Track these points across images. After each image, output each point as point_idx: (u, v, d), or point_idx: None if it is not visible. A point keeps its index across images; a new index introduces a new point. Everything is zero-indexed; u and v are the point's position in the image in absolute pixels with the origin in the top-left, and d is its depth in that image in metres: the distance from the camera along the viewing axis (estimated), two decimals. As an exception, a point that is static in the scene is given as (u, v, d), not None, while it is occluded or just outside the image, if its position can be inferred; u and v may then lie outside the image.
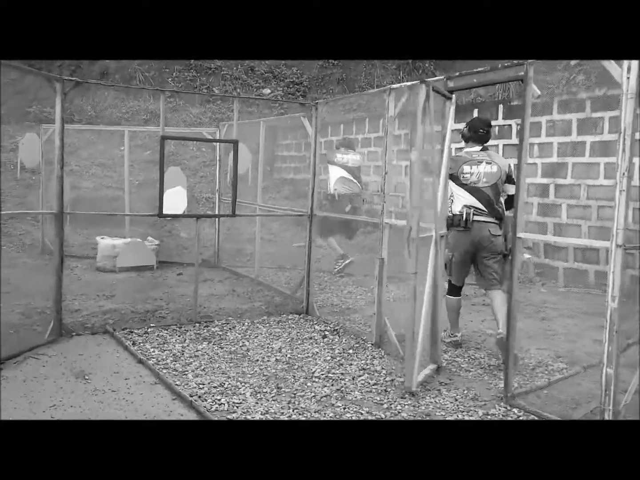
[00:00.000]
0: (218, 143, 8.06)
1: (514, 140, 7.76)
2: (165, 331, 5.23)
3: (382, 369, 4.44)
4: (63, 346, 4.76)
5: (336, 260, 8.04)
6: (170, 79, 14.57)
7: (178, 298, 6.41)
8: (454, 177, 4.87)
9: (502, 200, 4.96)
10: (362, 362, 4.58)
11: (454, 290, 5.04)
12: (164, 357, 4.55)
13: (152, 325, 5.40)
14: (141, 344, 4.84)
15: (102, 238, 8.03)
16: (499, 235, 4.87)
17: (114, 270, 7.69)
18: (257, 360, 4.56)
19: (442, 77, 4.36)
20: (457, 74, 4.24)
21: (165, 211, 8.62)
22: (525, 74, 3.70)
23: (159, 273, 7.77)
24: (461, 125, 5.49)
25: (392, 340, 4.90)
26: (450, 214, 4.86)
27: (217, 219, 8.60)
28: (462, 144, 5.23)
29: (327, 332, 5.32)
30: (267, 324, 5.56)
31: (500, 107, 8.13)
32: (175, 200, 8.74)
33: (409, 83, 4.74)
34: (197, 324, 5.48)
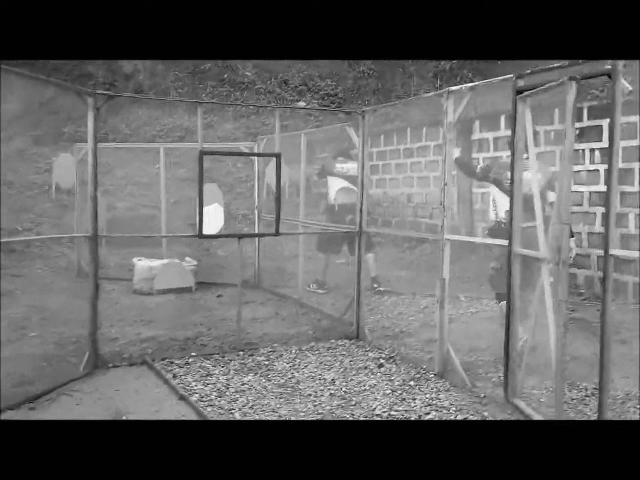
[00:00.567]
0: (257, 158, 7.70)
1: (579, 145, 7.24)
2: (208, 361, 4.84)
3: (451, 404, 3.97)
4: (99, 380, 4.41)
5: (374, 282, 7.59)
6: (204, 95, 14.34)
7: (219, 323, 6.03)
8: (497, 182, 4.74)
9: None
10: (427, 396, 4.12)
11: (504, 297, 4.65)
12: (208, 392, 4.15)
13: (193, 354, 5.02)
14: (182, 377, 4.45)
15: (138, 260, 7.72)
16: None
17: (152, 292, 7.36)
18: (310, 394, 4.13)
19: (510, 76, 3.91)
20: (529, 71, 3.78)
21: (202, 230, 8.27)
22: (614, 67, 3.23)
23: (197, 295, 7.42)
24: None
25: (457, 369, 4.43)
26: (495, 220, 4.84)
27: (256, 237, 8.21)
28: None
29: (382, 360, 4.87)
30: (317, 351, 5.14)
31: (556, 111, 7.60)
32: (212, 218, 8.44)
33: (470, 84, 4.30)
34: (241, 352, 5.08)
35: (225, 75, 14.32)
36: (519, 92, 3.86)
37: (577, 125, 7.14)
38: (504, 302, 4.55)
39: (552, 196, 4.81)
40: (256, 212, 7.91)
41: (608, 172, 3.24)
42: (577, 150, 7.14)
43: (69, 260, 8.95)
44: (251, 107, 13.54)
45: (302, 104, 14.83)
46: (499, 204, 4.84)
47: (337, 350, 5.19)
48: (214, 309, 6.65)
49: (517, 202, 3.90)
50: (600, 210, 7.31)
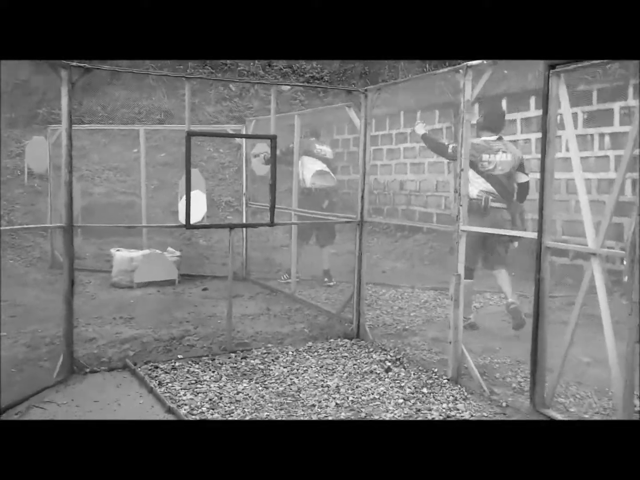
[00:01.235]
0: (244, 141, 7.19)
1: (579, 130, 6.84)
2: (196, 365, 4.37)
3: (472, 416, 3.56)
4: (75, 389, 3.92)
5: (324, 276, 7.20)
6: (184, 77, 13.75)
7: (207, 320, 5.56)
8: (472, 164, 4.92)
9: (515, 185, 5.33)
10: (443, 406, 3.70)
11: (469, 273, 5.06)
12: (199, 402, 3.69)
13: (179, 357, 4.55)
14: (169, 384, 3.98)
15: (117, 250, 7.19)
16: (509, 220, 5.26)
17: (132, 286, 6.86)
18: (313, 405, 3.69)
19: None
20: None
21: (189, 219, 7.77)
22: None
23: (181, 288, 6.93)
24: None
25: (474, 374, 4.02)
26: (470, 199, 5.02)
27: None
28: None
29: (389, 364, 4.44)
30: (316, 353, 4.69)
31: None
32: (194, 205, 7.94)
33: (491, 60, 3.85)
34: (233, 354, 4.63)
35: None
36: (552, 66, 3.42)
37: (586, 109, 6.75)
38: (466, 280, 4.92)
39: (522, 177, 5.32)
40: (244, 200, 7.41)
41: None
42: (586, 135, 6.76)
43: (42, 250, 8.39)
44: (241, 84, 12.97)
45: (286, 87, 14.30)
46: (473, 183, 5.07)
47: (338, 351, 4.75)
48: (200, 305, 6.17)
49: (549, 190, 3.48)
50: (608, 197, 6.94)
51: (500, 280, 5.34)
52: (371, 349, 4.79)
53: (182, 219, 9.53)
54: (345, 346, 4.88)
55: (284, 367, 4.35)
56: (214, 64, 13.90)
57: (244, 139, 7.12)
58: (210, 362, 4.45)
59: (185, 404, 3.65)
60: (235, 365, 4.39)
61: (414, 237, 9.03)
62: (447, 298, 6.51)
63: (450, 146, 5.33)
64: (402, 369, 4.34)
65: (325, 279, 7.17)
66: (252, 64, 14.07)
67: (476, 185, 5.16)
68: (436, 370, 4.30)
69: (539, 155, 3.54)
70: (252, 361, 4.47)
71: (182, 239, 9.73)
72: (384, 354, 4.65)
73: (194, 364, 4.39)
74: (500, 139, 5.30)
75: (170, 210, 10.79)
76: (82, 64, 4.13)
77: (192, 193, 9.07)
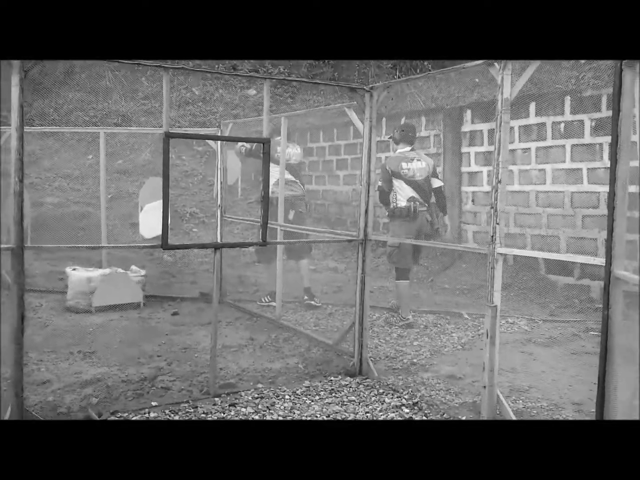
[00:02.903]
0: (219, 147, 6.42)
1: (587, 139, 6.32)
2: (176, 416, 3.59)
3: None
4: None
5: (305, 294, 6.51)
6: (144, 78, 12.91)
7: (181, 354, 4.78)
8: (395, 174, 5.78)
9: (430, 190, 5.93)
10: (489, 470, 3.02)
11: (405, 274, 5.83)
12: (186, 471, 2.92)
13: (153, 404, 3.77)
14: (145, 445, 3.20)
15: (73, 269, 6.31)
16: (430, 220, 5.86)
17: (90, 310, 6.00)
18: (330, 472, 2.97)
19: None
20: None
21: (145, 229, 7.12)
22: None
23: (147, 312, 6.10)
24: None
25: (514, 426, 3.36)
26: (393, 206, 5.82)
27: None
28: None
29: (407, 410, 3.75)
30: (317, 397, 3.96)
31: (568, 99, 6.63)
32: (157, 217, 7.15)
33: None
34: (218, 399, 3.87)
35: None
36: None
37: (595, 116, 6.23)
38: (404, 281, 5.81)
39: (436, 182, 5.98)
40: (218, 212, 6.61)
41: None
42: (593, 144, 6.24)
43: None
44: (233, 76, 12.16)
45: (252, 92, 13.60)
46: (402, 192, 5.80)
47: (343, 393, 4.03)
48: (171, 333, 5.36)
49: (621, 205, 2.85)
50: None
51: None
52: (380, 390, 4.09)
53: (143, 232, 8.72)
54: (350, 387, 4.16)
55: (283, 418, 3.61)
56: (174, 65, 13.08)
57: (218, 144, 6.34)
58: (192, 410, 3.68)
59: (169, 475, 2.87)
60: (223, 415, 3.62)
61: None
62: (448, 323, 5.90)
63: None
64: (423, 417, 3.66)
65: (306, 297, 6.42)
66: (216, 66, 13.30)
67: (405, 193, 5.80)
68: (463, 417, 3.63)
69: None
70: (243, 409, 3.71)
71: (144, 254, 8.87)
72: (397, 398, 3.95)
73: (172, 415, 3.61)
74: (413, 149, 5.96)
75: (129, 222, 9.94)
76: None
77: (155, 204, 8.26)
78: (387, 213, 6.03)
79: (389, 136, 6.25)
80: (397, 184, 5.78)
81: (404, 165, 5.78)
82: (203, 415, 3.62)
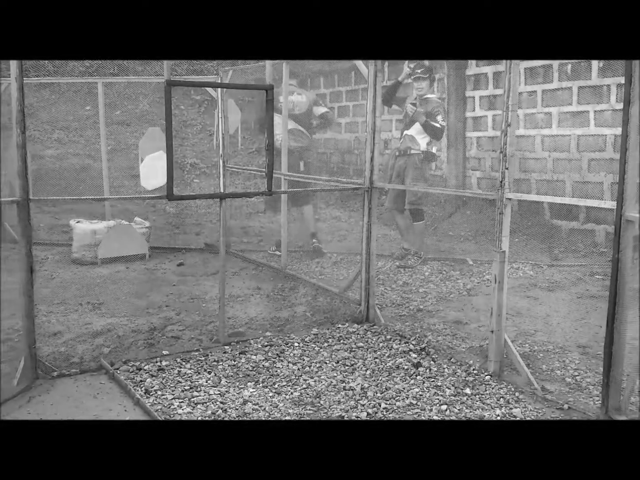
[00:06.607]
0: (219, 95, 6.31)
1: (594, 80, 6.21)
2: (187, 364, 3.64)
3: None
4: (41, 402, 3.16)
5: (312, 238, 6.52)
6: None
7: (189, 304, 4.81)
8: (425, 125, 5.92)
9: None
10: (496, 412, 3.07)
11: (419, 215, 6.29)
12: (199, 418, 2.98)
13: (165, 352, 3.81)
14: (158, 393, 3.25)
15: (77, 222, 6.31)
16: None
17: (96, 262, 6.02)
18: (341, 416, 3.02)
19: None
20: None
21: (146, 181, 7.09)
22: None
23: (153, 264, 6.12)
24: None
25: (520, 370, 3.41)
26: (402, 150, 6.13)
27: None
28: None
29: (415, 355, 3.80)
30: (326, 343, 4.01)
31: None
32: (158, 168, 7.10)
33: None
34: (228, 348, 3.91)
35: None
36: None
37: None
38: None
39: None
40: (220, 162, 6.55)
41: None
42: (601, 86, 6.13)
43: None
44: None
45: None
46: (419, 140, 6.02)
47: (351, 340, 4.08)
48: (178, 284, 5.39)
49: (634, 147, 2.82)
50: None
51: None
52: (388, 337, 4.13)
53: (144, 183, 8.68)
54: (358, 333, 4.20)
55: (293, 365, 3.65)
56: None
57: (218, 92, 6.24)
58: (203, 359, 3.73)
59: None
60: (234, 363, 3.67)
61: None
62: (453, 270, 5.92)
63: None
64: (432, 362, 3.70)
65: (314, 241, 6.43)
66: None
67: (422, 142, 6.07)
68: (470, 363, 3.67)
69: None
70: (253, 357, 3.76)
71: (146, 205, 8.87)
72: (404, 343, 3.99)
73: (184, 363, 3.65)
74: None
75: (130, 174, 9.87)
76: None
77: (156, 154, 8.17)
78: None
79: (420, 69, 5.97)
80: (417, 131, 6.09)
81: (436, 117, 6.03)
82: (214, 362, 3.66)
